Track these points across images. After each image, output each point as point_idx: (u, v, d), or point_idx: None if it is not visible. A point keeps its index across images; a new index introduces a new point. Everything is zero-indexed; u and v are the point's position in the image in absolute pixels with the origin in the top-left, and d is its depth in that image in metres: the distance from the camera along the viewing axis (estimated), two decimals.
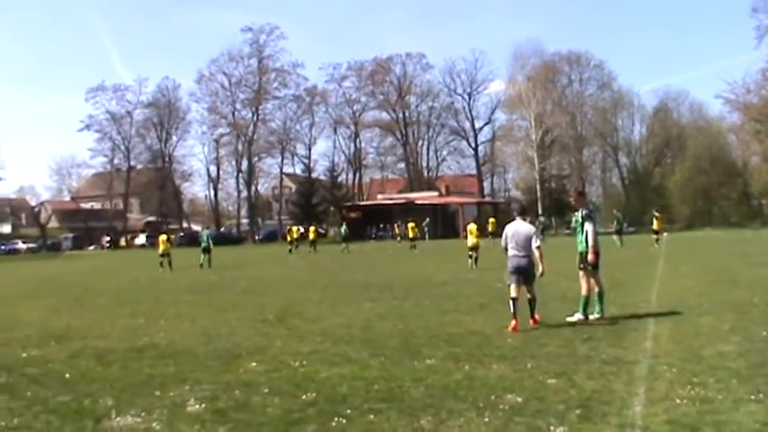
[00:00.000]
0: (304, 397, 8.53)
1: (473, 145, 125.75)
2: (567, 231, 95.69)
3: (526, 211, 15.76)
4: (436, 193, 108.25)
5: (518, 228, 14.29)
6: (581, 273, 14.23)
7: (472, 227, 34.55)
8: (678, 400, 7.79)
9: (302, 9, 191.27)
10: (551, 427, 7.02)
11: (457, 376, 9.32)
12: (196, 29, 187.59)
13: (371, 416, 7.64)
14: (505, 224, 15.12)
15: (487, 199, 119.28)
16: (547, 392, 8.34)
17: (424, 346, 11.64)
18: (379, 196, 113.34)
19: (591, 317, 14.04)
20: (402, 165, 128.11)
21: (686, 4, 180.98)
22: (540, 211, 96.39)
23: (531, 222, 16.64)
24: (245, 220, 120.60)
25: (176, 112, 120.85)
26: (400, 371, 9.77)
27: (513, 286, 13.88)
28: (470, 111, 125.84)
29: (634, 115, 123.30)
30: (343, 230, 66.14)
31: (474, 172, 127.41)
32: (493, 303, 17.24)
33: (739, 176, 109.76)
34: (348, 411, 7.81)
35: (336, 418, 7.57)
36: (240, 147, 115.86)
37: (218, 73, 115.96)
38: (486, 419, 7.35)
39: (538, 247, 13.89)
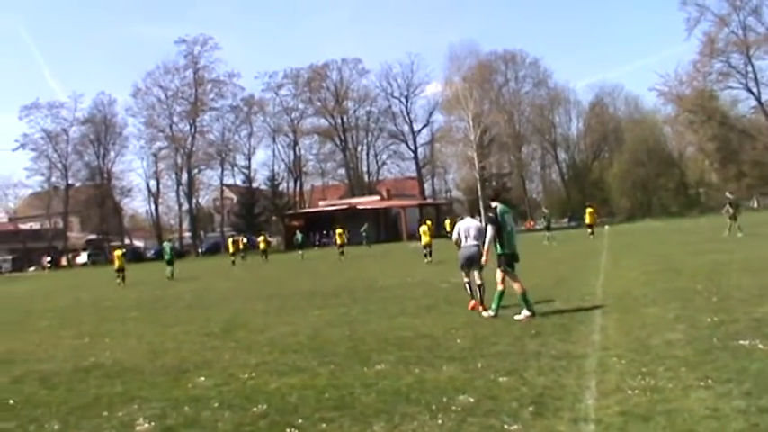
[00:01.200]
0: (254, 409, 8.39)
1: (412, 147, 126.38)
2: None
3: (475, 212, 17.89)
4: (377, 198, 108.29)
5: (469, 224, 16.77)
6: (506, 274, 14.66)
7: (424, 228, 39.61)
8: (629, 391, 7.80)
9: (235, 19, 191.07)
10: (505, 426, 6.99)
11: (408, 380, 9.24)
12: (130, 43, 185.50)
13: (323, 424, 7.55)
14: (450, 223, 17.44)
15: (429, 201, 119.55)
16: (499, 391, 8.30)
17: (374, 351, 11.55)
18: (321, 203, 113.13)
19: (487, 313, 14.78)
20: (342, 170, 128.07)
21: None
22: (481, 211, 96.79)
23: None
24: (187, 234, 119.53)
25: (113, 127, 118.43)
26: (350, 377, 9.66)
27: (465, 272, 16.49)
28: (408, 114, 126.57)
29: (571, 111, 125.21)
30: (299, 238, 69.67)
31: (414, 174, 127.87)
32: (440, 305, 17.24)
33: (676, 167, 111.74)
34: (300, 421, 7.71)
35: (288, 429, 7.47)
36: (179, 160, 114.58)
37: (154, 86, 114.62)
38: (440, 421, 7.30)
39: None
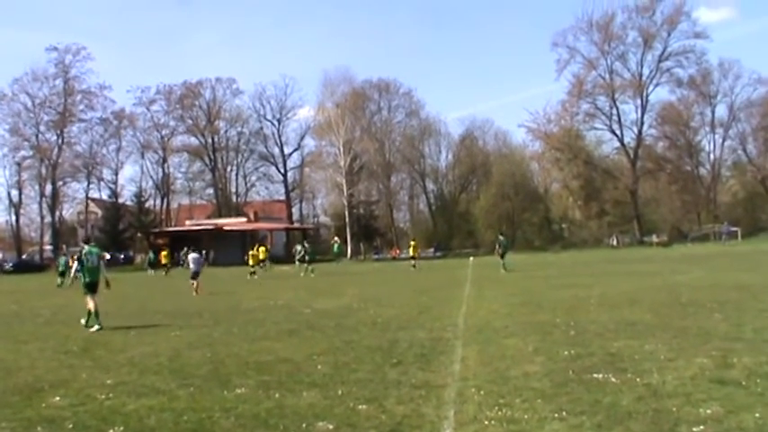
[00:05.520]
0: (111, 431, 8.22)
1: (282, 171, 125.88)
2: (376, 257, 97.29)
3: (202, 248, 45.25)
4: (245, 219, 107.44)
5: (195, 255, 34.84)
6: (88, 296, 20.01)
7: (254, 251, 54.59)
8: (486, 422, 7.91)
9: (111, 30, 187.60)
10: None
11: (267, 405, 9.18)
12: None
13: None
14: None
15: (296, 225, 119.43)
16: (358, 418, 8.32)
17: (234, 374, 11.44)
18: (188, 222, 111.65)
19: (94, 328, 19.15)
20: (211, 190, 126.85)
21: (491, 35, 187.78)
22: (348, 237, 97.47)
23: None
24: (48, 247, 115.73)
25: None
26: (209, 401, 9.54)
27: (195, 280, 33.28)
28: (280, 136, 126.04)
29: (441, 143, 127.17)
30: (151, 257, 73.25)
31: (283, 198, 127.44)
32: (302, 329, 17.19)
33: (541, 202, 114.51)
34: None
35: None
36: (44, 170, 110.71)
37: (21, 93, 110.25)
38: None
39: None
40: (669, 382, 9.42)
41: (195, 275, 33.81)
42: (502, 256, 44.18)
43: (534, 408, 8.43)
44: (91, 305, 19.80)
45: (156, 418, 8.71)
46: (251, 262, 52.96)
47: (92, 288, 20.20)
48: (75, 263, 20.72)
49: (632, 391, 9.00)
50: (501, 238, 47.06)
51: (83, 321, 19.85)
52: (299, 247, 61.56)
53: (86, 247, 21.03)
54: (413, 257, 58.44)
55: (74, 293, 36.98)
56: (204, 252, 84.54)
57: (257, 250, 57.88)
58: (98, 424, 8.56)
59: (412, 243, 61.51)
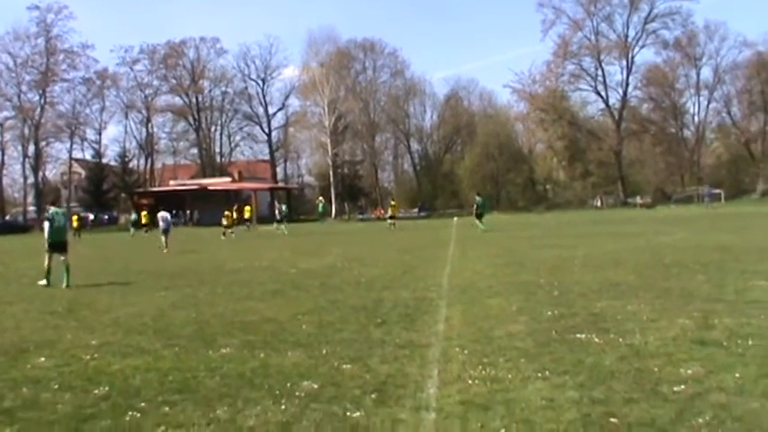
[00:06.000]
0: (96, 391, 8.17)
1: (266, 130, 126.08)
2: (361, 217, 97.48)
3: (166, 208, 45.36)
4: (229, 179, 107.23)
5: (164, 214, 38.94)
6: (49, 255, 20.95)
7: (228, 212, 56.11)
8: (470, 381, 7.94)
9: None
10: (348, 413, 7.02)
11: (252, 364, 9.18)
12: None
13: (166, 408, 7.43)
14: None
15: (281, 184, 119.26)
16: (342, 378, 8.34)
17: (219, 334, 11.44)
18: (172, 182, 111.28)
19: (42, 282, 20.56)
20: (195, 150, 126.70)
21: None
22: (332, 197, 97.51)
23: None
24: (32, 208, 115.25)
25: None
26: (194, 361, 9.53)
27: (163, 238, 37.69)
28: (264, 96, 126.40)
29: (426, 103, 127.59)
30: (134, 217, 73.56)
31: (267, 157, 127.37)
32: (287, 289, 17.20)
33: (525, 163, 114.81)
34: (142, 404, 7.57)
35: (130, 412, 7.31)
36: (26, 131, 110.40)
37: (3, 53, 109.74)
38: (283, 407, 7.29)
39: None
40: (651, 343, 9.48)
41: (165, 233, 38.02)
42: (479, 217, 44.99)
43: (518, 367, 8.47)
44: (46, 264, 20.97)
45: (141, 378, 8.70)
46: (224, 222, 54.46)
47: (60, 248, 21.08)
48: (46, 224, 21.23)
49: (615, 351, 9.06)
50: (477, 198, 47.90)
51: (43, 282, 20.68)
52: (284, 207, 62.58)
53: (52, 208, 22.04)
54: (391, 217, 60.41)
55: (32, 258, 36.93)
56: (189, 212, 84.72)
57: (234, 210, 60.30)
58: (83, 384, 8.55)
59: (392, 203, 64.09)
